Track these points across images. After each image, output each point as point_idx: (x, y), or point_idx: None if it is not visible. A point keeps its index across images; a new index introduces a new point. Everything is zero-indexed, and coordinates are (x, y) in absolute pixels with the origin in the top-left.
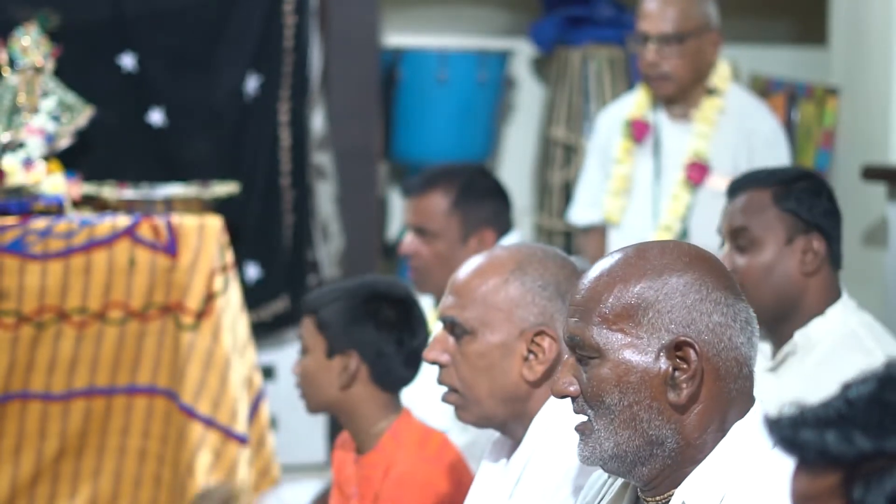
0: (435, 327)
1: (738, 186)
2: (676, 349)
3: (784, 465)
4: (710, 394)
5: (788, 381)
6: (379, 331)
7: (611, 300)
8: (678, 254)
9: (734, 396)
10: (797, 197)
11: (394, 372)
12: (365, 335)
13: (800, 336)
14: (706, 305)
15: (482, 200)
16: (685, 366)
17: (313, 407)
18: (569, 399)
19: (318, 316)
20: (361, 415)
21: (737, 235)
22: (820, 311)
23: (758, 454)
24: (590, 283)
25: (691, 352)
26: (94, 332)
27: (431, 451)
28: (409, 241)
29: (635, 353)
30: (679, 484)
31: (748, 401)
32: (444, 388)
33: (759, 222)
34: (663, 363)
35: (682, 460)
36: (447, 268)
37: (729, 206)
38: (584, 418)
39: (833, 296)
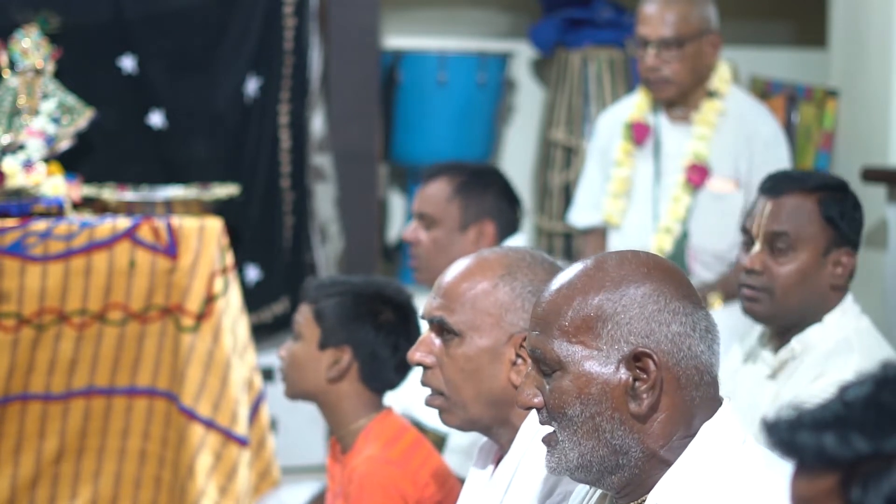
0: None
1: (781, 188)
2: (636, 360)
3: (756, 461)
4: (671, 402)
5: (786, 386)
6: (377, 332)
7: (570, 313)
8: (636, 264)
9: (697, 403)
10: (841, 210)
11: (384, 375)
12: (362, 334)
13: (797, 342)
14: (665, 316)
15: (484, 191)
16: (645, 376)
17: (294, 393)
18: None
19: (317, 306)
20: (343, 410)
21: (776, 238)
22: (818, 317)
23: (728, 452)
24: (550, 296)
25: (650, 362)
26: (93, 333)
27: (396, 453)
28: (412, 228)
29: (595, 364)
30: (651, 488)
31: (714, 404)
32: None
33: (802, 229)
34: (623, 374)
35: (649, 468)
36: (445, 255)
37: (770, 206)
38: (550, 429)
39: (837, 302)
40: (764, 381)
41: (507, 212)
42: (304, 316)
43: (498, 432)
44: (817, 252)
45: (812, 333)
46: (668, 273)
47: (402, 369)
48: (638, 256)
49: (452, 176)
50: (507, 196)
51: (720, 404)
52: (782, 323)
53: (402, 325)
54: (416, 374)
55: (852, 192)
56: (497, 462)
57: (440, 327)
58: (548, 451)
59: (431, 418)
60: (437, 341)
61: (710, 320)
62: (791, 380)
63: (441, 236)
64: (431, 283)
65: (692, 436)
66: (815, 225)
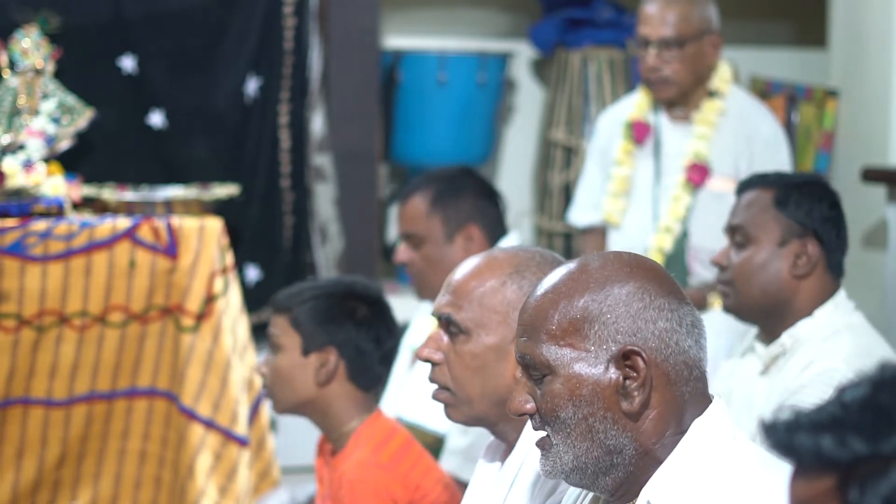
0: (416, 322)
1: (747, 185)
2: (625, 358)
3: (745, 457)
4: (662, 399)
5: (777, 382)
6: (358, 328)
7: (556, 317)
8: (619, 264)
9: (688, 399)
10: (797, 201)
11: (371, 370)
12: (343, 332)
13: (787, 337)
14: (650, 313)
15: (460, 196)
16: (634, 374)
17: (284, 406)
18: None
19: (292, 314)
20: (335, 413)
21: (735, 232)
22: (809, 312)
23: (719, 449)
24: (535, 302)
25: (639, 360)
26: (94, 336)
27: (385, 456)
28: (402, 250)
29: (585, 366)
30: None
31: (704, 400)
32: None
33: (755, 221)
34: (613, 373)
35: (643, 466)
36: (440, 269)
37: (735, 203)
38: (543, 434)
39: (826, 299)
40: (756, 377)
41: (489, 210)
42: (279, 327)
43: (504, 429)
44: (772, 243)
45: (802, 328)
46: (650, 271)
47: (386, 361)
48: (620, 257)
49: (425, 190)
50: (484, 194)
51: (710, 401)
52: (751, 316)
53: (379, 318)
54: (412, 379)
55: (822, 185)
56: (505, 459)
57: (448, 324)
58: (542, 456)
59: (430, 420)
60: (445, 338)
61: (696, 315)
62: (781, 374)
63: (430, 252)
64: (434, 297)
65: (683, 432)
66: (768, 216)
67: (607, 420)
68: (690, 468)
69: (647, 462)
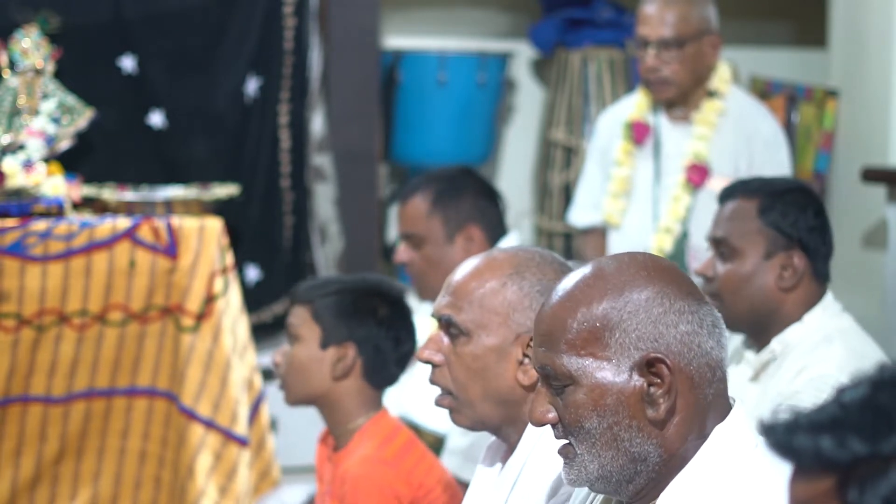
0: (416, 323)
1: (729, 194)
2: (648, 366)
3: (767, 465)
4: (686, 403)
5: (769, 388)
6: (378, 327)
7: (575, 326)
8: (636, 268)
9: (711, 401)
10: (782, 211)
11: (387, 369)
12: (364, 329)
13: (777, 343)
14: (671, 317)
15: (460, 197)
16: (659, 381)
17: (296, 397)
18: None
19: (314, 306)
20: (344, 409)
21: (719, 243)
22: (798, 318)
23: (740, 455)
24: (551, 310)
25: (663, 367)
26: (94, 335)
27: (390, 453)
28: (402, 250)
29: (608, 375)
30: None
31: (725, 403)
32: (439, 391)
33: (740, 233)
34: (637, 381)
35: (666, 472)
36: (440, 269)
37: (717, 213)
38: (565, 442)
39: (814, 305)
40: (747, 384)
41: (488, 210)
42: (300, 318)
43: (507, 432)
44: (758, 255)
45: (791, 333)
46: (668, 273)
47: (402, 363)
48: (636, 259)
49: (426, 191)
50: (484, 194)
51: (731, 405)
52: (740, 327)
53: (400, 318)
54: (412, 379)
55: (806, 192)
56: (506, 461)
57: (448, 325)
58: (565, 464)
59: (429, 420)
60: (446, 339)
61: (715, 314)
62: (773, 380)
63: (431, 252)
64: (434, 298)
65: (705, 437)
66: (753, 227)
67: (632, 428)
68: (710, 474)
69: (669, 468)
